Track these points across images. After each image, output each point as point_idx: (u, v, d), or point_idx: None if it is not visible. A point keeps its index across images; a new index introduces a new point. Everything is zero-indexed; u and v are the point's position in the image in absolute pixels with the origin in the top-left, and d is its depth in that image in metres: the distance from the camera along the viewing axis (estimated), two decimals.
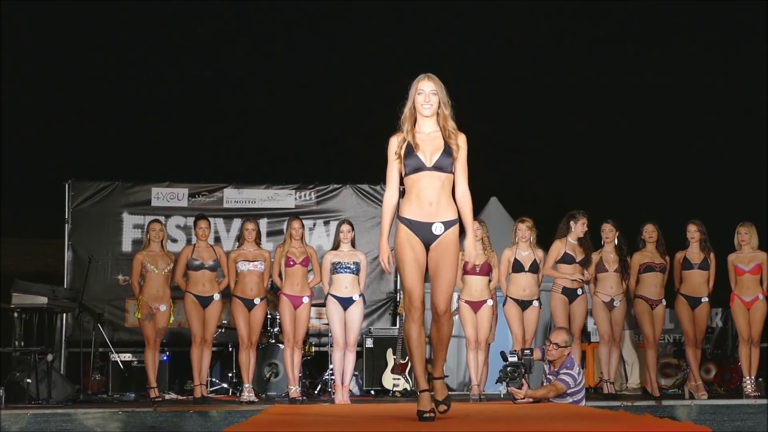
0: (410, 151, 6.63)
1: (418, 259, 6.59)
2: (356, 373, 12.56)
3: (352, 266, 10.95)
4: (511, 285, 11.23)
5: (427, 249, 6.62)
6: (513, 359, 9.26)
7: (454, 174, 6.66)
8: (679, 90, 20.26)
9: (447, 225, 6.58)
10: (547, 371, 9.42)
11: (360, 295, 11.02)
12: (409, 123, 6.70)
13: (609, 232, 11.40)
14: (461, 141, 6.69)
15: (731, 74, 19.85)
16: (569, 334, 9.58)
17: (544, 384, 9.38)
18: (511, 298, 11.20)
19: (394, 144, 6.72)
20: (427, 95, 6.69)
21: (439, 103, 6.70)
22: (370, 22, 19.93)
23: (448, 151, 6.61)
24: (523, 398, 8.99)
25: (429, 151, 6.62)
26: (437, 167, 6.59)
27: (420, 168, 6.59)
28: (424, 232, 6.57)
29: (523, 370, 9.15)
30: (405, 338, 6.68)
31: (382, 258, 6.72)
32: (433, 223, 6.57)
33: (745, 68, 19.71)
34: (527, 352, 9.43)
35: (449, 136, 6.65)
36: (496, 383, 10.03)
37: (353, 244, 11.17)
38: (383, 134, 6.86)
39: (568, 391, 9.16)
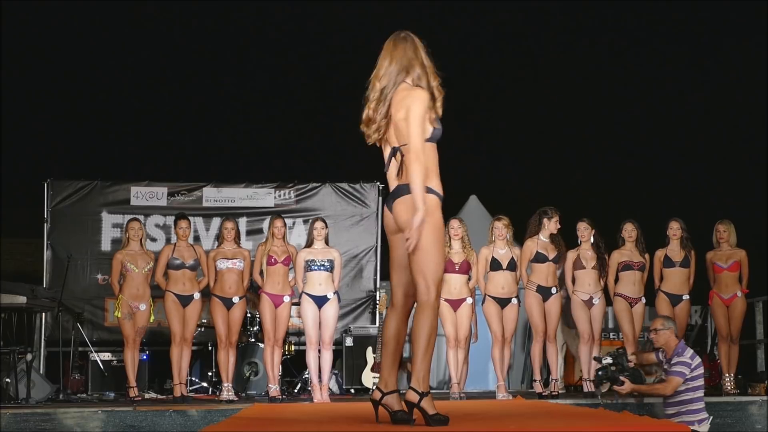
0: (436, 115, 5.53)
1: None
2: (335, 371, 12.56)
3: (326, 264, 10.93)
4: (489, 283, 11.24)
5: None
6: (607, 361, 9.52)
7: None
8: (659, 87, 20.32)
9: None
10: (663, 361, 9.63)
11: (334, 293, 11.01)
12: (424, 82, 5.54)
13: (585, 230, 11.41)
14: None
15: (715, 72, 19.91)
16: (666, 318, 9.85)
17: (664, 377, 9.61)
18: (489, 296, 11.20)
19: (427, 99, 5.48)
20: None
21: None
22: (350, 21, 19.90)
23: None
24: (627, 393, 9.69)
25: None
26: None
27: (438, 138, 5.53)
28: None
29: (618, 368, 9.58)
30: (427, 334, 5.39)
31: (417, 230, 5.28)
32: None
33: (730, 67, 19.77)
34: (621, 350, 9.93)
35: None
36: (595, 390, 10.33)
37: (327, 242, 11.16)
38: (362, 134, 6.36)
39: (684, 380, 9.26)
